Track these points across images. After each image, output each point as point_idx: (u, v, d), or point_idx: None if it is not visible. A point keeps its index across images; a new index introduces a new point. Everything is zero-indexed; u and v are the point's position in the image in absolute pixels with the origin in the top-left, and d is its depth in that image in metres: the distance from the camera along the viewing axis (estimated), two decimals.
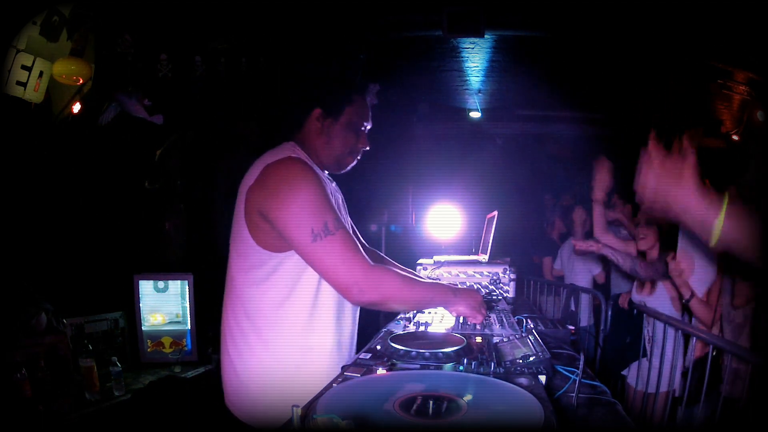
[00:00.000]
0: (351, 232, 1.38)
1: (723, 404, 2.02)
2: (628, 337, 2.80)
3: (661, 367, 2.50)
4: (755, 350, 1.88)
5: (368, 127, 1.51)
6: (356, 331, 1.52)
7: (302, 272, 1.32)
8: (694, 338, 2.25)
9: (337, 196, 1.49)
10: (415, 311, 1.63)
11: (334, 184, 1.53)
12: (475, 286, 2.21)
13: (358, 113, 1.46)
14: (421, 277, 1.48)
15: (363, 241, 1.74)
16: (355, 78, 3.69)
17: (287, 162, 1.30)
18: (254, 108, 3.75)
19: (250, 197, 1.30)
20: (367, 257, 1.29)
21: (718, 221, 0.93)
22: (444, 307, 1.46)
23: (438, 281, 1.46)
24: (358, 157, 1.54)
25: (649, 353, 2.64)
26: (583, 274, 3.94)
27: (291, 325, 1.33)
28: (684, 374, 2.38)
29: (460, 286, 1.58)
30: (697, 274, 2.37)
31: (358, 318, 1.51)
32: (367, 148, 1.53)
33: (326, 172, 1.51)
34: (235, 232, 1.36)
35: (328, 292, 1.35)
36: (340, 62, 3.67)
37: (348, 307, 1.43)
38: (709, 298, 2.35)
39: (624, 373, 2.86)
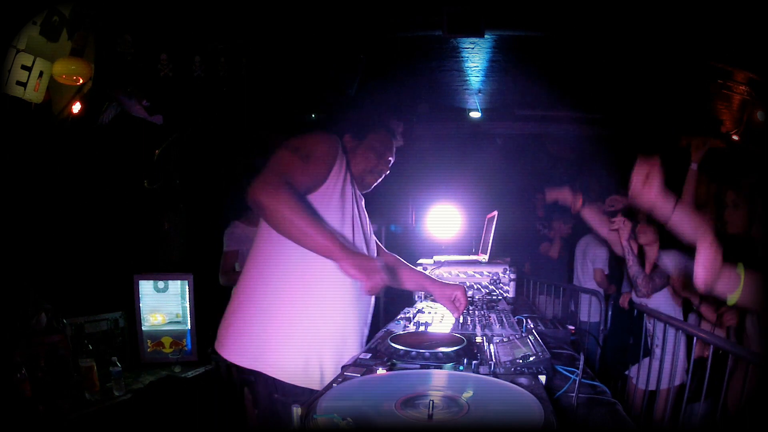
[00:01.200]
0: (310, 174, 1.49)
1: (723, 403, 2.02)
2: (630, 338, 2.80)
3: (661, 365, 2.50)
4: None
5: (391, 160, 1.78)
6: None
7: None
8: (695, 338, 2.25)
9: (356, 198, 1.70)
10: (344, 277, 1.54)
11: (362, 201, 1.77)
12: (476, 286, 2.21)
13: (381, 141, 1.74)
14: (327, 224, 1.47)
15: (373, 245, 1.80)
16: (354, 79, 3.70)
17: (319, 132, 1.56)
18: (254, 108, 3.75)
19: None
20: (292, 182, 1.39)
21: (737, 292, 1.17)
22: (336, 263, 1.40)
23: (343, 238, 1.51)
24: (379, 179, 1.79)
25: (651, 352, 2.64)
26: (591, 275, 3.94)
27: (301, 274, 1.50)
28: (688, 371, 2.37)
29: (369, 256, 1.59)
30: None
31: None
32: (386, 171, 1.79)
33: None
34: None
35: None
36: (340, 63, 3.67)
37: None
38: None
39: (626, 372, 2.86)
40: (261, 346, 1.51)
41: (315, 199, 1.53)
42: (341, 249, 1.37)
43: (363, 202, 1.78)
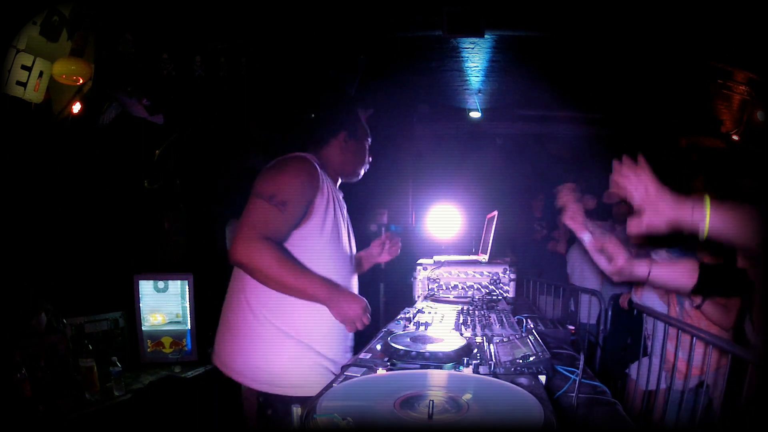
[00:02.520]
0: (289, 218, 1.51)
1: (723, 403, 2.02)
2: (629, 338, 2.80)
3: (661, 364, 2.50)
4: None
5: (370, 141, 1.85)
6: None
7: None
8: (711, 348, 2.20)
9: (343, 208, 1.76)
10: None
11: (341, 195, 1.79)
12: (475, 286, 2.21)
13: (365, 132, 1.82)
14: (311, 272, 1.51)
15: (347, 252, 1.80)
16: (354, 79, 3.70)
17: (292, 157, 1.60)
18: (254, 108, 3.76)
19: (259, 180, 1.53)
20: (267, 233, 1.41)
21: (705, 220, 1.10)
22: (318, 300, 1.52)
23: (323, 279, 1.53)
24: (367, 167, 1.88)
25: (649, 351, 2.64)
26: (593, 278, 3.94)
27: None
28: (700, 385, 2.35)
29: (348, 291, 1.63)
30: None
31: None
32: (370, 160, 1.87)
33: (339, 181, 1.81)
34: None
35: (327, 258, 1.59)
36: (340, 63, 3.67)
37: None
38: (728, 301, 2.29)
39: (626, 371, 2.86)
40: (260, 363, 1.55)
41: (304, 231, 1.55)
42: (332, 296, 1.47)
43: (345, 210, 1.82)
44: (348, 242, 1.75)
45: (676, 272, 1.56)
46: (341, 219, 1.71)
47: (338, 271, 1.65)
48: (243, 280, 1.56)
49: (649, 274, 1.51)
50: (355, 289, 1.81)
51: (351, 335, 1.70)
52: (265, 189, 1.47)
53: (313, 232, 1.56)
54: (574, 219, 2.18)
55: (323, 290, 1.48)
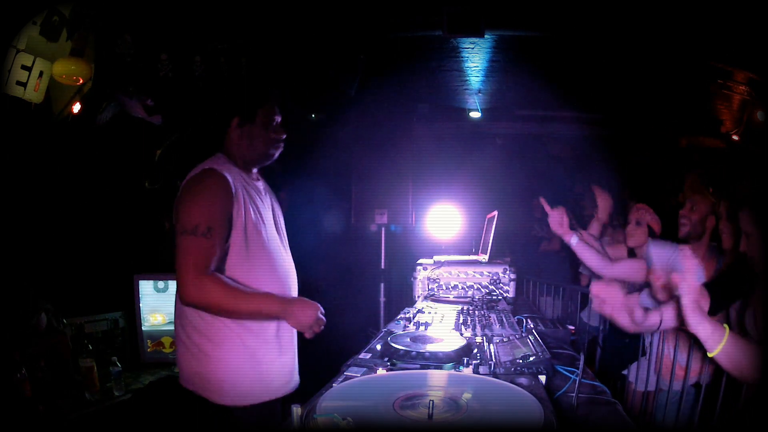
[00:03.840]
0: (218, 241, 1.51)
1: (722, 403, 2.01)
2: (629, 338, 2.80)
3: (660, 364, 2.50)
4: None
5: (278, 119, 1.72)
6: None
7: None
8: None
9: (263, 198, 1.71)
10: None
11: (261, 183, 1.76)
12: (476, 286, 2.21)
13: (269, 112, 1.69)
14: (253, 291, 1.53)
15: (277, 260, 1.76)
16: (354, 79, 3.70)
17: (200, 173, 1.56)
18: (254, 108, 3.75)
19: (176, 202, 1.59)
20: (207, 266, 1.44)
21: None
22: (272, 318, 1.55)
23: (271, 294, 1.54)
24: (282, 146, 1.75)
25: (648, 352, 2.64)
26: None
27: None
28: (699, 385, 2.35)
29: (298, 298, 1.63)
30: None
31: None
32: (284, 136, 1.73)
33: (255, 170, 1.75)
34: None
35: (261, 266, 1.60)
36: (340, 62, 3.67)
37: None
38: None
39: (624, 372, 2.86)
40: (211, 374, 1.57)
41: (233, 244, 1.56)
42: (282, 307, 1.49)
43: (281, 214, 1.80)
44: (277, 236, 1.73)
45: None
46: (261, 216, 1.65)
47: (275, 271, 1.65)
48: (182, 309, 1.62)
49: (661, 322, 1.55)
50: (295, 284, 1.77)
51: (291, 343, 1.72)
52: (187, 222, 1.50)
53: (236, 241, 1.56)
54: (561, 224, 2.22)
55: (275, 305, 1.51)
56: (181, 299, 1.47)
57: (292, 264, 1.78)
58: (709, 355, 1.25)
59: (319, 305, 1.56)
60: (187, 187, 1.58)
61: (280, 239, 1.73)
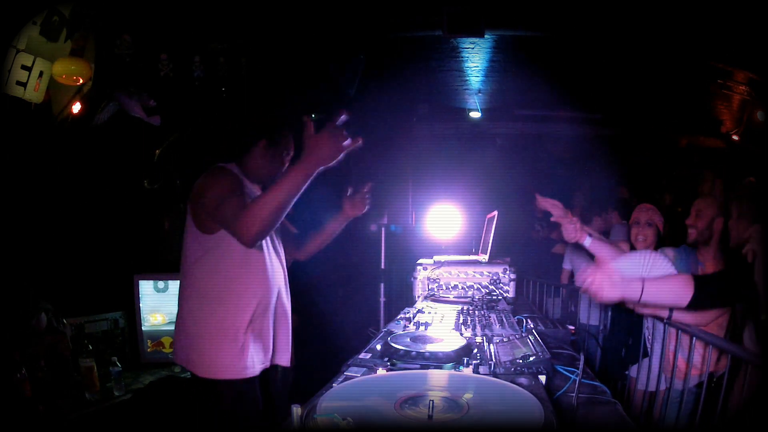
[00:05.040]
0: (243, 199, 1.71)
1: (722, 403, 2.01)
2: (629, 338, 2.80)
3: (661, 364, 2.49)
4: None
5: (291, 154, 1.94)
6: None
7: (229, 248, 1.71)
8: (710, 348, 2.20)
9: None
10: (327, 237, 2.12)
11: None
12: (476, 286, 2.21)
13: (286, 143, 1.91)
14: (276, 184, 1.58)
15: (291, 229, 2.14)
16: (354, 79, 3.70)
17: (215, 168, 1.80)
18: (254, 108, 3.75)
19: (193, 193, 1.75)
20: (242, 208, 1.57)
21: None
22: (306, 176, 1.52)
23: (291, 168, 1.58)
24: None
25: (650, 351, 2.64)
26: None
27: (224, 287, 1.75)
28: (699, 385, 2.34)
29: (313, 141, 1.59)
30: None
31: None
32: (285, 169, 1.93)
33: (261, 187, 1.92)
34: (186, 225, 1.81)
35: (247, 260, 1.77)
36: (340, 63, 3.67)
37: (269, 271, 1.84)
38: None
39: (626, 372, 2.85)
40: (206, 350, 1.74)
41: (228, 238, 1.68)
42: (302, 174, 1.49)
43: None
44: (273, 245, 1.92)
45: (671, 289, 1.57)
46: None
47: (263, 267, 1.81)
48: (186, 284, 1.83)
49: (642, 292, 1.52)
50: (285, 289, 1.95)
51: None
52: (213, 199, 1.66)
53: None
54: (575, 231, 2.23)
55: (299, 169, 1.50)
56: (247, 243, 1.58)
57: (282, 262, 1.96)
58: (640, 303, 1.39)
59: (330, 134, 1.49)
60: (203, 180, 1.75)
61: (272, 239, 1.91)
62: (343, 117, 1.50)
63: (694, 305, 1.54)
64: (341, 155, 1.49)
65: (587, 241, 2.30)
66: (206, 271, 1.76)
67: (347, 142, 1.48)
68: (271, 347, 1.87)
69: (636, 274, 2.14)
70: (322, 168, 1.49)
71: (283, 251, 2.00)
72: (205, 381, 1.74)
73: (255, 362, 1.77)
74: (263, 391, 1.85)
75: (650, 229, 2.66)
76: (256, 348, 1.79)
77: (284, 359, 1.93)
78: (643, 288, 1.51)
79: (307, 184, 1.51)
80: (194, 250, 1.78)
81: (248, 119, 1.90)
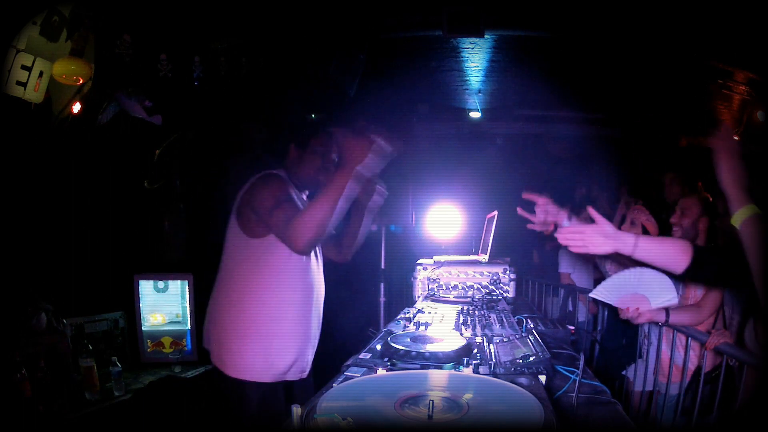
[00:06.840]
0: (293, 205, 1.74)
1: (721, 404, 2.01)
2: (624, 338, 2.80)
3: (657, 365, 2.49)
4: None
5: (333, 156, 1.93)
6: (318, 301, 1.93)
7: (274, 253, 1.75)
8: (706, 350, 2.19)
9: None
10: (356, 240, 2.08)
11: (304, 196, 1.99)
12: (476, 286, 2.21)
13: (321, 143, 1.91)
14: (320, 193, 1.66)
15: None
16: (354, 79, 3.69)
17: (264, 175, 1.82)
18: (254, 108, 3.75)
19: (243, 198, 1.78)
20: (294, 216, 1.61)
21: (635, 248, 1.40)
22: (344, 178, 1.59)
23: (331, 179, 1.66)
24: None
25: (645, 353, 2.64)
26: (587, 274, 3.93)
27: (265, 291, 1.77)
28: (695, 385, 2.34)
29: (349, 137, 1.67)
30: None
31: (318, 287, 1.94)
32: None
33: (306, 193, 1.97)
34: (229, 227, 1.83)
35: (292, 268, 1.79)
36: (340, 63, 3.67)
37: (309, 276, 1.86)
38: (704, 299, 2.29)
39: (623, 373, 2.85)
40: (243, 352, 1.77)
41: (277, 243, 1.73)
42: (344, 176, 1.56)
43: None
44: (316, 252, 1.94)
45: (667, 249, 1.42)
46: None
47: (304, 279, 1.84)
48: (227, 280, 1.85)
49: (635, 245, 1.39)
50: (322, 292, 1.97)
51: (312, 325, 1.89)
52: (265, 205, 1.69)
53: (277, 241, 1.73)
54: (546, 212, 2.17)
55: (338, 177, 1.57)
56: (301, 250, 1.65)
57: (322, 274, 1.97)
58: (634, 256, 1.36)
59: (354, 133, 1.59)
60: (254, 185, 1.77)
61: (315, 252, 1.94)
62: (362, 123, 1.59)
63: (689, 275, 1.39)
64: (371, 154, 1.57)
65: (566, 222, 2.25)
66: (249, 274, 1.77)
67: (374, 139, 1.56)
68: (306, 354, 1.88)
69: (627, 282, 2.14)
70: (359, 168, 1.56)
71: (322, 258, 2.01)
72: (233, 381, 1.75)
73: (288, 368, 1.79)
74: (287, 397, 1.86)
75: (634, 228, 2.67)
76: (290, 354, 1.79)
77: (308, 367, 1.93)
78: (636, 243, 1.40)
79: (349, 188, 1.56)
80: (238, 253, 1.80)
81: (274, 124, 1.93)
